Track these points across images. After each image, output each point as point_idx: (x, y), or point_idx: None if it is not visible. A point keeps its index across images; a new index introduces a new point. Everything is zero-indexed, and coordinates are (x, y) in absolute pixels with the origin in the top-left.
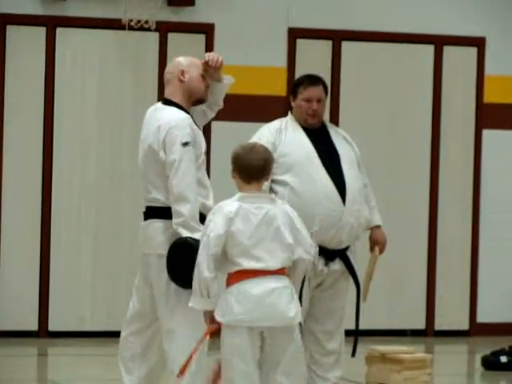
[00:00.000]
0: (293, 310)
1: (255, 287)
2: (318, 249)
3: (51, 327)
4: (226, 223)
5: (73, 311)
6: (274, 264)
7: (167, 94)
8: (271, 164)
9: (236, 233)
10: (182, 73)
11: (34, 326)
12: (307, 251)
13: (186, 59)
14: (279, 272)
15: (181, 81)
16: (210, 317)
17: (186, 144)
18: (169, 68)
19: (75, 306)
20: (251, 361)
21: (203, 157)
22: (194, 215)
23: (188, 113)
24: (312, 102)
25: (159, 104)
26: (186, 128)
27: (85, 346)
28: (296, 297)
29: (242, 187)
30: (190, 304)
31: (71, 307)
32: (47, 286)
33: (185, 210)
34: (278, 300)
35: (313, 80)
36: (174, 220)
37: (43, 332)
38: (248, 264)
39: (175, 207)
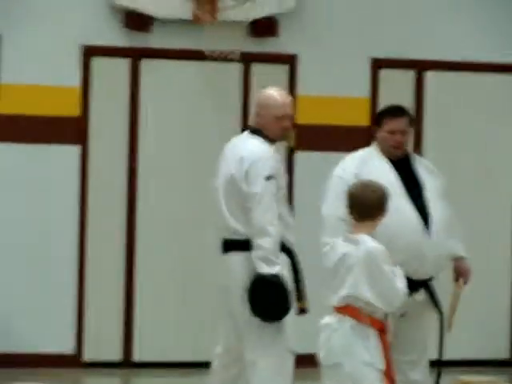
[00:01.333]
0: (321, 352)
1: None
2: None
3: (136, 357)
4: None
5: (158, 341)
6: (334, 302)
7: (253, 123)
8: (384, 201)
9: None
10: (257, 113)
11: (118, 355)
12: (385, 302)
13: (265, 97)
14: (339, 310)
15: (258, 118)
16: None
17: (269, 178)
18: (255, 100)
19: (160, 336)
20: None
21: (283, 190)
22: (274, 249)
23: (272, 143)
24: (396, 133)
25: (245, 133)
26: (270, 161)
27: (169, 377)
28: (337, 336)
29: (354, 226)
30: None
31: (156, 337)
32: (132, 315)
33: (266, 244)
34: (325, 336)
35: (397, 111)
36: (254, 253)
37: (128, 362)
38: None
39: (256, 240)
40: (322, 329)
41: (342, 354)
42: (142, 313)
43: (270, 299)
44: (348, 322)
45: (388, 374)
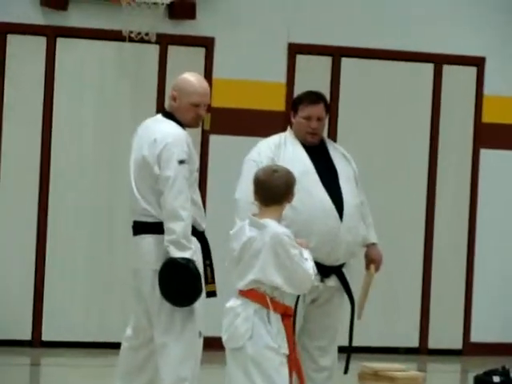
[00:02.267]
0: (224, 335)
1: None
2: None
3: (45, 337)
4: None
5: (66, 321)
6: (239, 286)
7: (168, 106)
8: (292, 187)
9: (230, 250)
10: (174, 97)
11: (27, 335)
12: (293, 286)
13: (183, 82)
14: (243, 294)
15: (174, 101)
16: None
17: (182, 162)
18: (173, 83)
19: (69, 316)
20: None
21: (196, 174)
22: (186, 233)
23: (184, 129)
24: (312, 120)
25: (159, 116)
26: (183, 145)
27: (77, 357)
28: (241, 320)
29: (261, 210)
30: None
31: (65, 317)
32: (41, 295)
33: (177, 228)
34: (229, 320)
35: (314, 98)
36: (166, 237)
37: (37, 342)
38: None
39: (168, 224)
40: (225, 312)
41: (245, 337)
42: (51, 293)
43: (180, 284)
44: (252, 306)
45: (292, 358)
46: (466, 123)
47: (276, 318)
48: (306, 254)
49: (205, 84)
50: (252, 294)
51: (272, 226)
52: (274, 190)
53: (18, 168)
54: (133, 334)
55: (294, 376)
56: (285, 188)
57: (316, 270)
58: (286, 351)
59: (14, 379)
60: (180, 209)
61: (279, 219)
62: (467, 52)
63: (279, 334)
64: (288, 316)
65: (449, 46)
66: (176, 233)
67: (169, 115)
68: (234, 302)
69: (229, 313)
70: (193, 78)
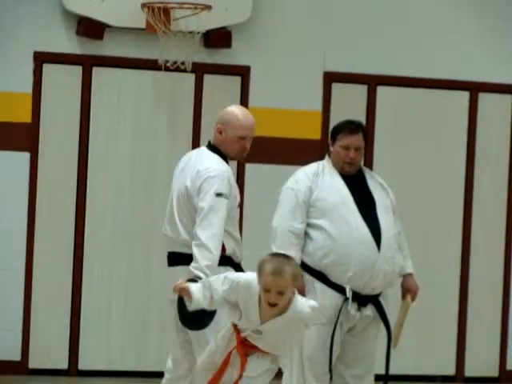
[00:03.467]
0: None
1: None
2: (351, 294)
3: (81, 366)
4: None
5: (103, 350)
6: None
7: (213, 139)
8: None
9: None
10: (220, 130)
11: (64, 364)
12: None
13: (229, 115)
14: None
15: (219, 134)
16: None
17: (219, 195)
18: (218, 115)
19: (105, 344)
20: None
21: (236, 210)
22: (210, 263)
23: (228, 163)
24: (350, 149)
25: (204, 148)
26: (224, 180)
27: None
28: None
29: None
30: None
31: (101, 346)
32: (78, 324)
33: (202, 257)
34: None
35: (352, 128)
36: (192, 264)
37: (73, 371)
38: None
39: (194, 251)
40: None
41: None
42: (88, 321)
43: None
44: None
45: None
46: (502, 152)
47: None
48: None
49: (250, 117)
50: None
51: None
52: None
53: (54, 201)
54: (173, 365)
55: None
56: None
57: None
58: None
59: None
60: (208, 240)
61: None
62: (503, 80)
63: None
64: None
65: (484, 74)
66: (199, 261)
67: (214, 148)
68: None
69: None
70: (238, 111)
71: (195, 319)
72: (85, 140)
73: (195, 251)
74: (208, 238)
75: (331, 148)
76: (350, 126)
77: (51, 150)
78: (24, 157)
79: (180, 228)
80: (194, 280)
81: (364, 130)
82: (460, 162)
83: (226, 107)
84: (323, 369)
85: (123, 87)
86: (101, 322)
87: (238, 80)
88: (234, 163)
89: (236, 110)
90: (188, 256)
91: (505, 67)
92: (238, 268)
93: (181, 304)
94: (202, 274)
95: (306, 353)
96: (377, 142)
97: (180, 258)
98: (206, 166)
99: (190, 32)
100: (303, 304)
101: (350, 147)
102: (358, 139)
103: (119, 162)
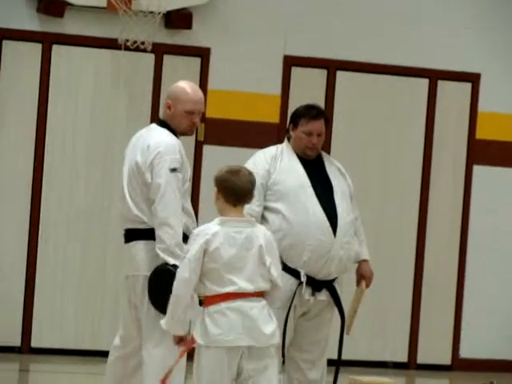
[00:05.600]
0: (269, 329)
1: (233, 309)
2: (305, 278)
3: (34, 343)
4: (205, 246)
5: (57, 329)
6: (253, 287)
7: (162, 115)
8: (254, 188)
9: (214, 256)
10: (169, 105)
11: (16, 341)
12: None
13: (177, 90)
14: (257, 294)
15: (168, 109)
16: (178, 339)
17: (173, 170)
18: (168, 91)
19: (59, 323)
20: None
21: (188, 183)
22: (177, 242)
23: (178, 137)
24: (313, 135)
25: (153, 124)
26: (176, 153)
27: (67, 364)
28: (273, 317)
29: (226, 210)
30: (164, 326)
31: (55, 325)
32: (32, 301)
33: (168, 237)
34: (256, 319)
35: (315, 113)
36: (158, 245)
37: (26, 348)
38: (227, 287)
39: (158, 232)
40: (252, 312)
41: (274, 336)
42: (42, 299)
43: (168, 291)
44: (265, 303)
45: None
46: (460, 139)
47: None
48: None
49: (199, 92)
50: (261, 293)
51: (256, 223)
52: (242, 189)
53: (10, 173)
54: (121, 343)
55: None
56: (251, 187)
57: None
58: None
59: None
60: (170, 217)
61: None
62: (463, 68)
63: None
64: None
65: (444, 62)
66: (166, 241)
67: (163, 123)
68: (257, 302)
69: (260, 311)
70: (187, 86)
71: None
72: (43, 117)
73: (159, 232)
74: (170, 216)
75: (291, 133)
76: (312, 112)
77: (9, 125)
78: None
79: (130, 204)
80: (165, 269)
81: (326, 115)
82: (418, 148)
83: (176, 82)
84: None
85: (83, 65)
86: (55, 301)
87: (197, 61)
88: (192, 145)
89: (185, 84)
90: (141, 231)
91: (465, 55)
92: None
93: (153, 286)
94: (170, 258)
95: None
96: (335, 127)
97: (134, 234)
98: (155, 141)
99: (151, 12)
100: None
101: (313, 133)
102: (320, 125)
103: (77, 140)
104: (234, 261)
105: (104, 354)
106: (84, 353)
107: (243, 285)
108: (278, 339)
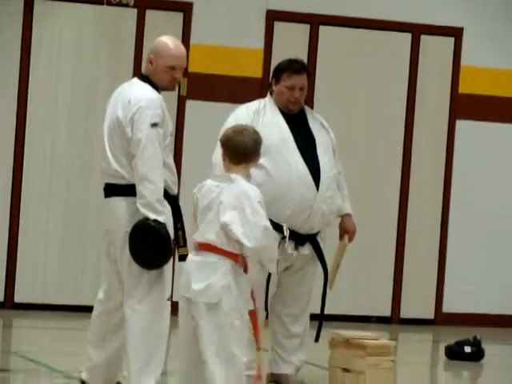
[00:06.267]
0: (198, 285)
1: (188, 259)
2: (288, 232)
3: (17, 299)
4: (194, 196)
5: (40, 284)
6: (202, 239)
7: (144, 70)
8: (260, 146)
9: (195, 207)
10: (150, 60)
11: (0, 297)
12: (251, 238)
13: (159, 45)
14: (208, 248)
15: (150, 64)
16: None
17: (154, 125)
18: (150, 46)
19: (42, 278)
20: (184, 336)
21: (170, 138)
22: (158, 197)
23: (160, 93)
24: (295, 89)
25: (135, 79)
26: (157, 108)
27: (50, 319)
28: (219, 276)
29: (228, 168)
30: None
31: (38, 280)
32: (15, 257)
33: (149, 192)
34: (190, 273)
35: (297, 67)
36: (139, 200)
37: (9, 303)
38: (195, 237)
39: (139, 188)
40: (194, 265)
41: (221, 293)
42: (25, 255)
43: (150, 246)
44: (228, 262)
45: (255, 315)
46: (442, 94)
47: (245, 276)
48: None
49: (181, 47)
50: (227, 251)
51: (241, 180)
52: (244, 147)
53: None
54: (104, 297)
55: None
56: (253, 146)
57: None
58: (251, 307)
59: None
60: (151, 172)
61: (247, 178)
62: (445, 22)
63: (247, 291)
64: (246, 271)
65: (427, 16)
66: (146, 196)
67: (145, 78)
68: (206, 257)
69: (202, 266)
70: (169, 41)
71: (151, 258)
72: (25, 73)
73: (140, 187)
74: (151, 171)
75: (274, 87)
76: (294, 66)
77: None
78: None
79: (110, 158)
80: (146, 224)
81: (308, 70)
82: (401, 103)
83: (159, 38)
84: (259, 307)
85: (65, 21)
86: (38, 256)
87: (180, 16)
88: (175, 99)
89: (167, 39)
90: (121, 187)
91: (448, 10)
92: (173, 202)
93: (134, 241)
94: (150, 213)
95: None
96: (318, 82)
97: (114, 189)
98: (136, 95)
99: None
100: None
101: (295, 87)
102: (302, 79)
103: (59, 97)
104: (203, 211)
105: (86, 309)
106: (67, 308)
107: (200, 236)
108: (208, 299)
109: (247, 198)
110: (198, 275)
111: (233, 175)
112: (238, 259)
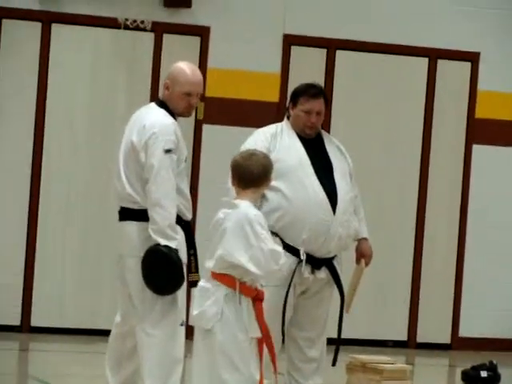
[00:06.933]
0: (195, 311)
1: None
2: (305, 256)
3: (34, 322)
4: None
5: (56, 307)
6: (207, 266)
7: (161, 95)
8: (269, 171)
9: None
10: (167, 86)
11: (16, 320)
12: (256, 263)
13: (176, 71)
14: (211, 274)
15: (167, 90)
16: None
17: (168, 151)
18: (168, 71)
19: (58, 302)
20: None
21: (184, 164)
22: (170, 223)
23: (176, 118)
24: (312, 114)
25: (152, 104)
26: (171, 134)
27: (66, 343)
28: (211, 302)
29: (237, 193)
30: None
31: (55, 303)
32: (31, 281)
33: (161, 218)
34: (195, 300)
35: (315, 92)
36: (151, 226)
37: (26, 327)
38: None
39: (151, 213)
40: (197, 291)
41: (213, 320)
42: (42, 279)
43: (162, 272)
44: (223, 289)
45: (266, 341)
46: (459, 118)
47: (247, 302)
48: (278, 247)
49: (198, 73)
50: (223, 278)
51: (244, 206)
52: (251, 173)
53: (10, 151)
54: (121, 320)
55: (267, 359)
56: (262, 171)
57: (284, 259)
58: (256, 334)
59: (3, 364)
60: (163, 198)
61: (256, 203)
62: (462, 47)
63: (249, 318)
64: (259, 300)
65: (444, 41)
66: (158, 222)
67: (162, 104)
68: (206, 284)
69: (201, 292)
70: (186, 67)
71: (163, 283)
72: (42, 96)
73: (152, 213)
74: (163, 197)
75: (291, 111)
76: (311, 90)
77: (8, 106)
78: None
79: (125, 183)
80: (159, 251)
81: (325, 94)
82: (418, 127)
83: (176, 63)
84: (276, 332)
85: (82, 45)
86: (55, 280)
87: (197, 40)
88: (191, 124)
89: (184, 66)
90: (135, 211)
91: (465, 34)
92: (186, 228)
93: (146, 267)
94: (162, 239)
95: None
96: (335, 106)
97: (127, 213)
98: (151, 121)
99: None
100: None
101: (312, 111)
102: (319, 104)
103: (76, 120)
104: (211, 240)
105: (103, 333)
106: (83, 331)
107: (207, 263)
108: (202, 324)
109: (249, 223)
110: (197, 301)
111: (237, 201)
112: (236, 286)
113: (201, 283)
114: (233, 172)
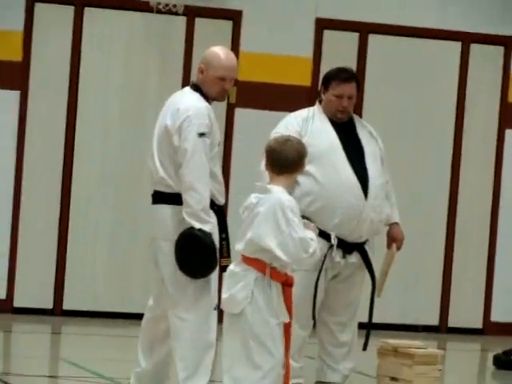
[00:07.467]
0: (225, 295)
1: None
2: (336, 241)
3: (66, 306)
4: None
5: (88, 291)
6: (237, 249)
7: (195, 79)
8: (304, 157)
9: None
10: (201, 70)
11: (49, 304)
12: (285, 250)
13: (211, 55)
14: (241, 258)
15: (201, 74)
16: None
17: (202, 135)
18: (201, 55)
19: (90, 285)
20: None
21: (218, 148)
22: (204, 207)
23: (210, 102)
24: (343, 98)
25: (187, 88)
26: (205, 118)
27: (98, 326)
28: (240, 286)
29: (271, 178)
30: None
31: (87, 287)
32: (63, 264)
33: (195, 201)
34: (224, 282)
35: (346, 76)
36: (184, 209)
37: (58, 310)
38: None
39: (185, 197)
40: (228, 275)
41: (243, 304)
42: (74, 262)
43: (196, 256)
44: (253, 273)
45: (289, 327)
46: (492, 103)
47: (276, 287)
48: (311, 234)
49: (232, 58)
50: (254, 262)
51: (276, 191)
52: (285, 159)
53: (42, 141)
54: (154, 303)
55: None
56: (296, 157)
57: (317, 249)
58: (285, 319)
59: (35, 347)
60: (197, 182)
61: (289, 189)
62: (495, 31)
63: (279, 302)
64: (288, 285)
65: (477, 25)
66: (192, 206)
67: (196, 88)
68: (235, 267)
69: (231, 276)
70: (220, 52)
71: (196, 267)
72: (75, 80)
73: (186, 196)
74: (197, 181)
75: (323, 95)
76: (343, 75)
77: (41, 89)
78: (14, 95)
79: (158, 166)
80: (192, 234)
81: (357, 78)
82: (450, 111)
83: (210, 47)
84: (307, 316)
85: (114, 28)
86: (86, 263)
87: (229, 24)
88: (224, 108)
89: (218, 50)
90: (168, 195)
91: (497, 18)
92: (219, 212)
93: (180, 251)
94: (196, 223)
95: None
96: (367, 90)
97: (161, 197)
98: (186, 105)
99: None
100: None
101: (344, 96)
102: (351, 88)
103: (109, 104)
104: (243, 223)
105: (135, 316)
106: (115, 315)
107: (237, 246)
108: (231, 309)
109: (281, 209)
110: (227, 285)
111: (270, 186)
112: (266, 271)
113: (230, 267)
114: (267, 157)
